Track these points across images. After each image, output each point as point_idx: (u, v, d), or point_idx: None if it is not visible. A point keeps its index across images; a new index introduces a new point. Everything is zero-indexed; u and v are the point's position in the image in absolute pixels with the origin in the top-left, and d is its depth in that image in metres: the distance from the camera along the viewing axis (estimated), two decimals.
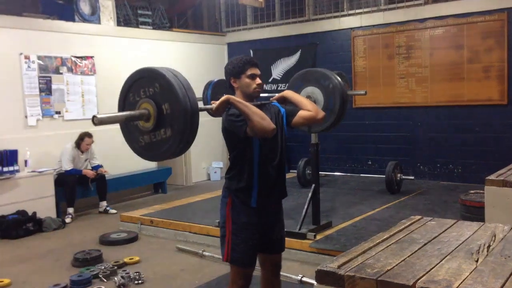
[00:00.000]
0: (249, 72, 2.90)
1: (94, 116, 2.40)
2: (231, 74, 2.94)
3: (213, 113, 2.84)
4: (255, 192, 2.89)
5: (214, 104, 2.79)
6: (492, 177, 3.80)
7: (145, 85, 2.60)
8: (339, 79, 4.28)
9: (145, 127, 2.62)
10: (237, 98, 2.77)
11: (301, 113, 3.03)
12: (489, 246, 1.95)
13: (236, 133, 2.80)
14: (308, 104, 3.07)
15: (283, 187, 3.07)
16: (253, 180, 2.88)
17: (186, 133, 2.53)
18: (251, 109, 2.71)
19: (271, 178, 2.93)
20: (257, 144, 2.86)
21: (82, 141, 7.10)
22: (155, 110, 2.55)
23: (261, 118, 2.70)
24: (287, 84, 9.66)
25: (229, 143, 2.94)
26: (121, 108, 2.72)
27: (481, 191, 4.30)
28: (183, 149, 2.64)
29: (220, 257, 5.01)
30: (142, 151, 2.71)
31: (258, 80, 2.92)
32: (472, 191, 5.29)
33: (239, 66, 2.90)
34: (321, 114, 3.08)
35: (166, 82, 2.50)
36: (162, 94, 2.53)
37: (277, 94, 3.17)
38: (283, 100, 3.13)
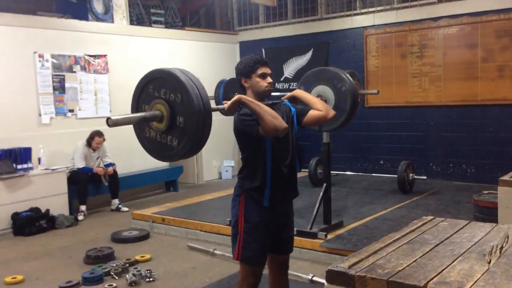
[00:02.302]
0: (259, 71, 2.90)
1: (108, 118, 2.42)
2: (242, 74, 2.94)
3: (225, 112, 2.84)
4: (268, 191, 2.89)
5: (226, 104, 2.79)
6: (505, 177, 3.76)
7: (159, 86, 2.61)
8: (350, 79, 4.26)
9: (158, 128, 2.63)
10: (249, 98, 2.77)
11: (312, 112, 3.03)
12: (501, 247, 1.93)
13: (249, 132, 2.80)
14: (318, 103, 3.07)
15: (295, 187, 3.07)
16: (266, 179, 2.89)
17: (199, 134, 2.54)
18: (263, 108, 2.71)
19: (284, 177, 2.94)
20: (269, 144, 2.86)
21: (93, 140, 7.16)
22: (168, 111, 2.56)
23: (273, 117, 2.70)
24: (298, 83, 9.64)
25: (241, 143, 2.95)
26: (135, 101, 2.74)
27: (495, 192, 4.25)
28: (196, 149, 2.65)
29: (231, 255, 5.04)
30: (156, 152, 2.73)
31: (269, 79, 2.92)
32: (485, 192, 5.23)
33: (249, 65, 2.91)
34: (332, 113, 3.07)
35: (178, 82, 2.51)
36: (175, 95, 2.54)
37: (288, 93, 3.17)
38: (294, 99, 3.13)
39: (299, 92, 3.17)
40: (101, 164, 7.42)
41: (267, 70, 2.94)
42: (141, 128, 2.75)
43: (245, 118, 2.79)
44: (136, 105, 2.74)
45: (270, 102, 2.95)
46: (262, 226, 2.91)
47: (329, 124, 4.30)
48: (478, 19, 7.58)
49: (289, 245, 3.13)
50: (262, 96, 2.92)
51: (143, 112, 2.64)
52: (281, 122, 2.72)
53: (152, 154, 2.78)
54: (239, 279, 3.01)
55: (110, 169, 7.34)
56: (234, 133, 2.94)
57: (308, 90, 4.14)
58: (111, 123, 2.43)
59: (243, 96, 2.79)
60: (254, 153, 2.89)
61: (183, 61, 9.10)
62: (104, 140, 7.30)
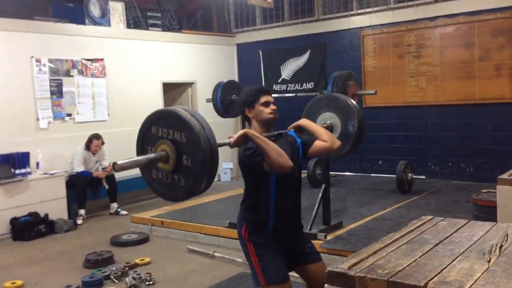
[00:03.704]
0: (262, 100, 2.90)
1: (114, 163, 2.44)
2: (245, 105, 2.94)
3: (231, 147, 2.82)
4: (271, 224, 2.89)
5: (232, 138, 2.78)
6: (504, 176, 3.76)
7: (163, 126, 2.61)
8: (357, 106, 4.25)
9: (164, 168, 2.63)
10: (255, 133, 2.73)
11: (317, 143, 3.01)
12: (501, 246, 1.93)
13: (254, 168, 2.79)
14: (324, 134, 3.04)
15: (298, 219, 3.07)
16: (269, 213, 2.88)
17: (207, 172, 2.52)
18: (269, 145, 2.67)
19: (288, 210, 2.93)
20: (273, 178, 2.84)
21: (91, 143, 7.16)
22: (173, 151, 2.55)
23: (278, 155, 2.65)
24: (296, 84, 9.67)
25: (246, 175, 2.94)
26: (140, 143, 2.74)
27: (493, 191, 4.26)
28: (205, 186, 2.63)
29: (231, 258, 5.04)
30: (165, 193, 2.72)
31: (272, 106, 2.91)
32: (484, 191, 5.23)
33: (251, 95, 2.91)
34: (337, 144, 3.05)
35: (182, 121, 2.50)
36: (180, 134, 2.54)
37: (293, 124, 3.15)
38: (300, 129, 3.12)
39: (305, 122, 3.16)
40: (99, 168, 7.41)
41: (269, 99, 2.92)
42: (147, 170, 2.75)
43: (251, 153, 2.77)
44: (141, 148, 2.73)
45: (276, 132, 2.95)
46: (271, 245, 2.89)
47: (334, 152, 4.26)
48: (475, 18, 7.60)
49: (311, 255, 3.05)
50: (268, 124, 2.91)
51: (149, 154, 2.63)
52: (286, 160, 2.67)
53: (160, 195, 2.77)
54: None
55: (109, 165, 7.31)
56: (239, 165, 2.93)
57: (315, 116, 4.14)
58: (117, 168, 2.46)
59: (249, 130, 2.77)
60: (257, 186, 2.89)
61: (180, 64, 9.11)
62: (103, 143, 7.29)
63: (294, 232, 3.05)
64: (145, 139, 2.72)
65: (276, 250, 2.90)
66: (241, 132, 2.75)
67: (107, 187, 7.35)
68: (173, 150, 2.54)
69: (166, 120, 2.61)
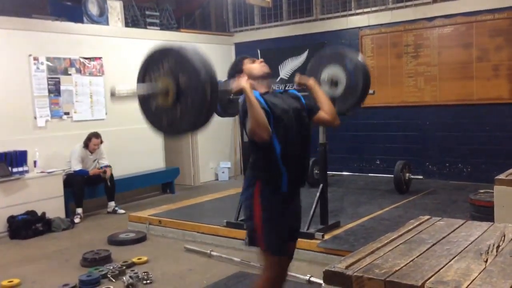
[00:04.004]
0: (247, 62, 2.99)
1: (113, 90, 2.40)
2: (235, 72, 2.99)
3: (231, 92, 2.85)
4: (285, 178, 2.85)
5: (234, 85, 2.80)
6: (501, 176, 3.77)
7: (163, 61, 2.58)
8: (361, 58, 4.22)
9: (164, 104, 2.60)
10: (250, 92, 2.72)
11: (321, 114, 3.03)
12: (498, 246, 1.93)
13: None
14: (327, 105, 3.06)
15: (307, 173, 3.08)
16: (280, 168, 2.84)
17: (206, 107, 2.50)
18: (254, 110, 2.66)
19: (297, 162, 2.90)
20: (276, 133, 2.80)
21: (90, 142, 7.15)
22: (174, 85, 2.53)
23: (257, 125, 2.66)
24: (294, 84, 9.63)
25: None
26: (142, 75, 2.75)
27: (491, 191, 4.27)
28: (203, 124, 2.62)
29: (228, 257, 5.04)
30: (163, 128, 2.70)
31: (259, 60, 3.00)
32: (481, 191, 5.25)
33: (236, 64, 3.02)
34: (337, 122, 3.10)
35: (184, 57, 2.50)
36: (180, 70, 2.52)
37: (301, 79, 3.19)
38: (304, 89, 3.18)
39: (313, 83, 3.15)
40: (97, 166, 7.40)
41: (254, 60, 3.02)
42: (146, 103, 2.71)
43: (243, 114, 2.79)
44: (142, 80, 2.71)
45: (278, 90, 2.98)
46: (281, 214, 2.87)
47: (342, 106, 4.21)
48: (473, 18, 7.61)
49: (296, 233, 3.12)
50: (263, 77, 2.94)
51: (149, 87, 2.61)
52: (262, 132, 2.67)
53: (158, 131, 2.74)
54: (263, 271, 2.94)
55: (108, 170, 7.31)
56: (239, 120, 2.95)
57: (319, 71, 4.11)
58: (116, 95, 2.42)
59: (247, 86, 2.74)
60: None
61: None
62: (101, 142, 7.28)
63: (299, 192, 3.07)
64: (147, 72, 2.69)
65: (284, 220, 2.89)
66: (242, 83, 2.76)
67: (109, 184, 7.32)
68: (173, 86, 2.52)
69: (169, 55, 2.58)
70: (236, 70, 2.99)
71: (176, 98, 2.52)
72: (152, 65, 2.64)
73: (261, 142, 2.74)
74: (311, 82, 3.17)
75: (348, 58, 4.12)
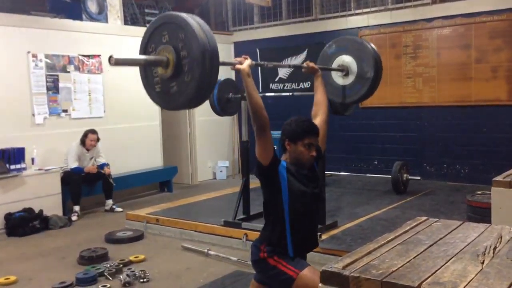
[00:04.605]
0: (306, 141, 2.82)
1: (110, 56, 2.36)
2: (288, 136, 2.86)
3: (233, 69, 2.84)
4: (290, 243, 2.86)
5: (239, 64, 2.78)
6: (499, 178, 3.77)
7: (165, 31, 2.56)
8: (373, 46, 4.18)
9: (164, 74, 2.57)
10: (247, 78, 2.74)
11: (322, 125, 3.07)
12: (495, 248, 1.93)
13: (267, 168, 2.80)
14: (321, 95, 3.22)
15: (315, 237, 3.09)
16: (286, 234, 2.85)
17: (206, 78, 2.49)
18: (252, 95, 2.70)
19: (304, 231, 2.93)
20: (287, 204, 2.83)
21: (86, 138, 7.14)
22: (174, 57, 2.50)
23: (254, 110, 2.70)
24: (293, 84, 9.65)
25: (263, 190, 2.94)
26: (143, 46, 2.73)
27: (488, 192, 4.27)
28: (202, 97, 2.62)
29: (226, 256, 5.04)
30: (161, 99, 2.69)
31: (313, 152, 2.85)
32: (478, 192, 5.26)
33: (298, 132, 2.83)
34: (327, 111, 3.21)
35: (186, 26, 2.48)
36: (182, 40, 2.50)
37: (310, 65, 3.32)
38: (311, 72, 3.30)
39: (320, 76, 3.31)
40: (94, 164, 7.38)
41: (315, 141, 2.87)
42: (147, 74, 2.68)
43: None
44: (144, 49, 2.69)
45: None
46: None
47: (352, 96, 4.19)
48: (472, 20, 7.61)
49: None
50: (301, 165, 2.87)
51: (149, 57, 2.59)
52: (259, 117, 2.71)
53: (158, 103, 2.73)
54: None
55: (108, 169, 7.31)
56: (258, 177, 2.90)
57: (331, 60, 4.09)
58: (112, 61, 2.37)
59: (248, 71, 2.77)
60: (274, 209, 2.89)
61: None
62: (98, 139, 7.27)
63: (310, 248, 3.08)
64: (150, 42, 2.67)
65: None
66: (245, 66, 2.77)
67: (113, 184, 7.31)
68: (174, 56, 2.50)
69: (172, 25, 2.56)
70: (292, 136, 2.84)
71: (176, 68, 2.51)
72: (155, 36, 2.62)
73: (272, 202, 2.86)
74: (319, 75, 3.30)
75: (360, 47, 4.07)
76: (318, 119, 3.13)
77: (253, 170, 2.88)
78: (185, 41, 2.50)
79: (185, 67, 2.50)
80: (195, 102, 2.63)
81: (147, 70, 2.68)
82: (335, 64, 4.07)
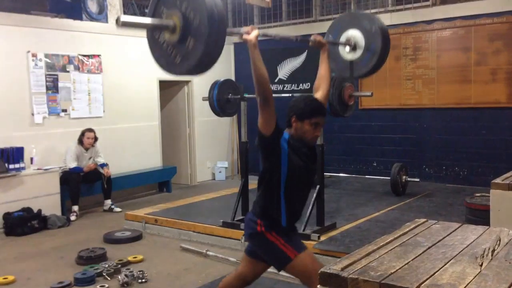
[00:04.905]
0: (314, 120, 2.86)
1: (118, 17, 2.37)
2: (295, 113, 2.89)
3: (240, 38, 2.83)
4: (284, 221, 2.95)
5: (246, 34, 2.77)
6: (498, 180, 3.78)
7: None
8: (380, 20, 4.15)
9: (170, 39, 2.57)
10: (253, 49, 2.74)
11: (322, 100, 3.09)
12: (493, 250, 1.93)
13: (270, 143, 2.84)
14: (325, 69, 3.26)
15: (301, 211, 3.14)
16: (281, 205, 2.93)
17: (212, 45, 2.49)
18: (257, 66, 2.72)
19: (298, 208, 3.04)
20: (284, 176, 2.88)
21: (84, 136, 7.15)
22: (181, 22, 2.50)
23: (258, 81, 2.72)
24: (292, 85, 9.65)
25: (263, 160, 2.95)
26: (153, 7, 2.73)
27: (487, 194, 4.27)
28: (209, 63, 2.61)
29: (224, 257, 5.03)
30: (167, 64, 2.69)
31: (319, 131, 2.90)
32: (477, 194, 5.26)
33: (307, 111, 2.87)
34: (328, 87, 3.24)
35: None
36: (189, 4, 2.51)
37: (318, 40, 3.37)
38: (319, 47, 3.35)
39: (327, 51, 3.36)
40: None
41: (321, 121, 2.91)
42: (159, 52, 2.69)
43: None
44: (153, 14, 2.68)
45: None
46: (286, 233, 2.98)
47: (360, 70, 4.17)
48: (472, 22, 7.62)
49: None
50: (304, 143, 2.91)
51: (157, 20, 2.58)
52: (263, 90, 2.74)
53: (180, 73, 2.73)
54: (306, 274, 2.89)
55: (107, 170, 7.30)
56: (259, 146, 2.90)
57: (339, 34, 4.07)
58: (120, 23, 2.37)
59: (255, 41, 2.76)
60: (270, 180, 2.92)
61: None
62: (96, 139, 7.27)
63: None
64: (157, 7, 2.67)
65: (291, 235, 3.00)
66: (252, 36, 2.75)
67: (105, 186, 7.31)
68: (181, 21, 2.50)
69: None
70: (300, 114, 2.87)
71: (183, 33, 2.51)
72: (163, 1, 2.63)
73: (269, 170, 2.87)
74: (326, 51, 3.35)
75: (368, 21, 4.04)
76: (320, 94, 3.16)
77: (255, 141, 2.88)
78: (192, 6, 2.50)
79: (192, 32, 2.50)
80: (201, 68, 2.64)
81: (154, 36, 2.68)
82: (343, 38, 4.04)
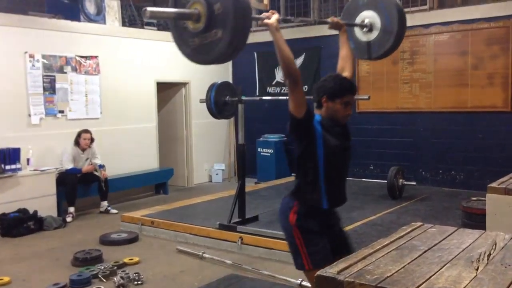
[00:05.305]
0: (345, 99, 2.84)
1: (145, 9, 2.40)
2: (326, 93, 2.86)
3: (261, 23, 2.86)
4: (325, 203, 2.89)
5: (267, 19, 2.80)
6: (494, 184, 3.79)
7: None
8: (396, 1, 4.15)
9: (195, 28, 2.58)
10: (276, 33, 2.77)
11: (340, 64, 3.20)
12: (489, 254, 1.94)
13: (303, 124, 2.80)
14: (346, 50, 3.30)
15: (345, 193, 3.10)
16: (321, 192, 2.88)
17: (238, 33, 2.52)
18: (282, 48, 2.74)
19: (339, 189, 3.00)
20: (322, 156, 2.83)
21: (80, 137, 7.13)
22: (206, 10, 2.51)
23: (285, 63, 2.74)
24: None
25: (297, 145, 2.91)
26: (173, 7, 2.73)
27: (483, 198, 4.29)
28: (234, 51, 2.64)
29: (220, 259, 5.03)
30: (193, 53, 2.70)
31: (350, 110, 2.88)
32: (473, 198, 5.27)
33: (338, 90, 2.84)
34: (352, 60, 3.31)
35: None
36: None
37: (336, 21, 3.40)
38: (338, 29, 3.38)
39: (345, 32, 3.40)
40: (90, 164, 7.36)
41: (352, 99, 2.91)
42: (183, 41, 2.70)
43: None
44: (175, 2, 2.70)
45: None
46: (318, 232, 2.88)
47: (378, 51, 4.17)
48: (469, 26, 7.65)
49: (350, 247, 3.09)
50: (335, 122, 2.88)
51: (180, 9, 2.59)
52: (291, 70, 2.74)
53: (204, 62, 2.76)
54: None
55: (103, 172, 7.29)
56: (292, 133, 2.88)
57: (354, 16, 4.06)
58: (148, 14, 2.42)
59: (276, 25, 2.78)
60: (306, 162, 2.88)
61: (174, 64, 9.09)
62: (92, 140, 7.25)
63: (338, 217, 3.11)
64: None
65: (323, 236, 2.89)
66: (273, 20, 2.79)
67: (103, 181, 7.28)
68: (205, 9, 2.51)
69: None
70: (331, 93, 2.84)
71: (208, 21, 2.53)
72: None
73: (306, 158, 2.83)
74: (345, 32, 3.39)
75: (383, 2, 4.03)
76: (346, 74, 3.14)
77: (287, 127, 2.85)
78: None
79: (218, 20, 2.52)
80: (227, 56, 2.67)
81: (178, 25, 2.69)
82: (358, 20, 4.04)
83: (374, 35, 4.04)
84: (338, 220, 3.12)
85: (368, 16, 4.01)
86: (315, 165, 2.84)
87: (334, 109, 2.85)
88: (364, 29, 4.02)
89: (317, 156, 2.83)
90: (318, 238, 2.86)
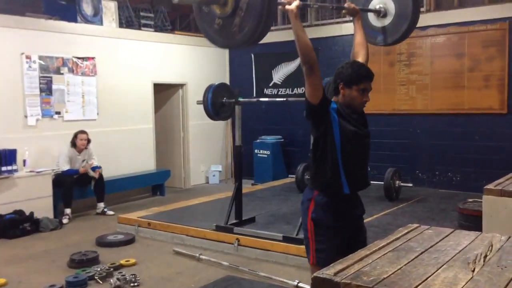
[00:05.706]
0: (362, 86, 2.85)
1: None
2: (343, 80, 2.86)
3: (282, 8, 2.84)
4: (346, 188, 2.88)
5: (287, 4, 2.80)
6: (490, 186, 3.80)
7: None
8: None
9: (222, 13, 2.65)
10: (294, 18, 2.79)
11: (354, 51, 3.19)
12: (485, 256, 1.94)
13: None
14: (360, 37, 3.27)
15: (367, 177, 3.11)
16: (341, 178, 2.87)
17: (265, 15, 2.57)
18: (299, 34, 2.75)
19: (359, 176, 3.00)
20: (339, 143, 2.84)
21: (76, 138, 7.12)
22: None
23: (302, 47, 2.75)
24: (287, 89, 9.65)
25: (314, 129, 2.90)
26: None
27: (479, 200, 4.30)
28: (261, 34, 2.69)
29: (217, 261, 5.03)
30: (219, 37, 2.77)
31: (367, 97, 2.89)
32: (470, 200, 5.29)
33: (355, 77, 2.85)
34: (367, 46, 3.29)
35: None
36: None
37: (352, 6, 3.36)
38: (353, 13, 3.34)
39: (360, 19, 3.36)
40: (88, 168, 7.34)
41: (369, 86, 2.90)
42: (202, 13, 2.75)
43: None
44: None
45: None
46: (333, 228, 2.85)
47: (393, 35, 4.17)
48: (466, 29, 7.67)
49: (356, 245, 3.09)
50: (353, 109, 2.89)
51: None
52: (309, 57, 2.76)
53: (215, 42, 2.83)
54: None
55: (97, 171, 7.28)
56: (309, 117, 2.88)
57: (366, 4, 4.07)
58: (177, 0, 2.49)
59: (295, 11, 2.79)
60: (324, 149, 2.88)
61: (171, 65, 9.10)
62: (89, 141, 7.24)
63: (361, 204, 3.10)
64: None
65: (337, 233, 2.86)
66: (293, 6, 2.80)
67: (96, 177, 7.26)
68: None
69: None
70: (348, 80, 2.85)
71: (235, 5, 2.59)
72: None
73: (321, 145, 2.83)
74: (360, 18, 3.35)
75: None
76: (360, 60, 3.14)
77: (304, 114, 2.86)
78: None
79: (244, 4, 2.58)
80: (253, 39, 2.71)
81: (202, 9, 2.78)
82: (372, 5, 4.05)
83: (388, 19, 4.06)
84: (361, 205, 3.12)
85: (382, 1, 4.03)
86: (332, 151, 2.84)
87: (351, 96, 2.86)
88: (380, 15, 4.03)
89: (335, 141, 2.84)
90: (331, 234, 2.85)
